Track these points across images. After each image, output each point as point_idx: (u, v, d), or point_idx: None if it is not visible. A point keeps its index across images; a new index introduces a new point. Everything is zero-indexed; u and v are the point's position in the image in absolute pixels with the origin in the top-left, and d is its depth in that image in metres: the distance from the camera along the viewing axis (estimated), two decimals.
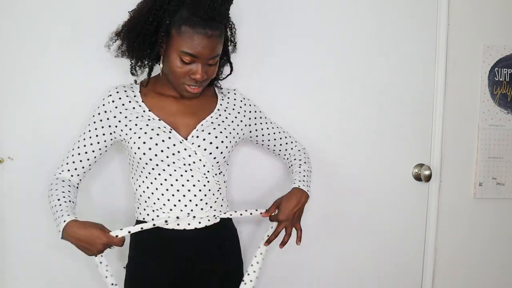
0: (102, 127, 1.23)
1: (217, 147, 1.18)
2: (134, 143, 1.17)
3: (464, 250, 1.70)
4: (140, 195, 1.22)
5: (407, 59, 1.60)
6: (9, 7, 1.37)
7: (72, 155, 1.25)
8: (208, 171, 1.19)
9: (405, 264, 1.67)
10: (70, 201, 1.17)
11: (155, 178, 1.19)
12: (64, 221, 1.10)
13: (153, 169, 1.18)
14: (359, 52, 1.56)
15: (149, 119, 1.19)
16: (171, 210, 1.18)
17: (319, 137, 1.55)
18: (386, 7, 1.57)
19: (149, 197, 1.20)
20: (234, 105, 1.29)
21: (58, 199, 1.16)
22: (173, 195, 1.18)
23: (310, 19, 1.52)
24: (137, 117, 1.20)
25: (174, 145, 1.16)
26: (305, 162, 1.35)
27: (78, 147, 1.25)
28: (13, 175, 1.41)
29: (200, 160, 1.17)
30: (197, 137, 1.18)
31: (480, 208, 1.70)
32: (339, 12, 1.53)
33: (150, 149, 1.15)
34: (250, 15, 1.43)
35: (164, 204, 1.18)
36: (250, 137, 1.34)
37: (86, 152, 1.24)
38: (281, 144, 1.38)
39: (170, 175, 1.17)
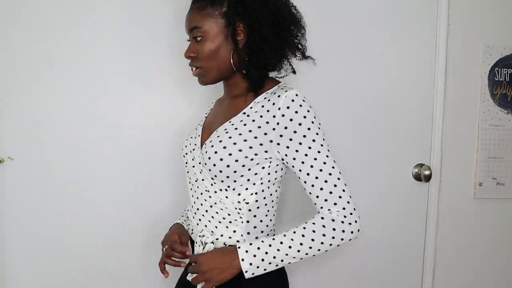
0: None
1: (209, 158, 1.00)
2: None
3: (464, 250, 1.70)
4: None
5: (407, 59, 1.59)
6: (9, 7, 1.37)
7: None
8: (211, 185, 1.04)
9: (405, 264, 1.67)
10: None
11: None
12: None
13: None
14: (359, 52, 1.56)
15: (199, 125, 1.17)
16: (188, 217, 1.16)
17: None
18: (386, 7, 1.57)
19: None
20: (268, 111, 0.99)
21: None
22: (190, 201, 1.14)
23: (310, 19, 1.51)
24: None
25: (190, 151, 1.10)
26: (302, 235, 0.96)
27: None
28: (13, 175, 1.41)
29: (201, 172, 1.05)
30: (205, 144, 1.05)
31: (480, 208, 1.70)
32: (338, 12, 1.53)
33: (181, 153, 1.15)
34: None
35: (187, 210, 1.18)
36: (282, 159, 1.02)
37: None
38: (311, 193, 0.99)
39: (189, 182, 1.12)
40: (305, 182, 0.99)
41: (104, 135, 1.45)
